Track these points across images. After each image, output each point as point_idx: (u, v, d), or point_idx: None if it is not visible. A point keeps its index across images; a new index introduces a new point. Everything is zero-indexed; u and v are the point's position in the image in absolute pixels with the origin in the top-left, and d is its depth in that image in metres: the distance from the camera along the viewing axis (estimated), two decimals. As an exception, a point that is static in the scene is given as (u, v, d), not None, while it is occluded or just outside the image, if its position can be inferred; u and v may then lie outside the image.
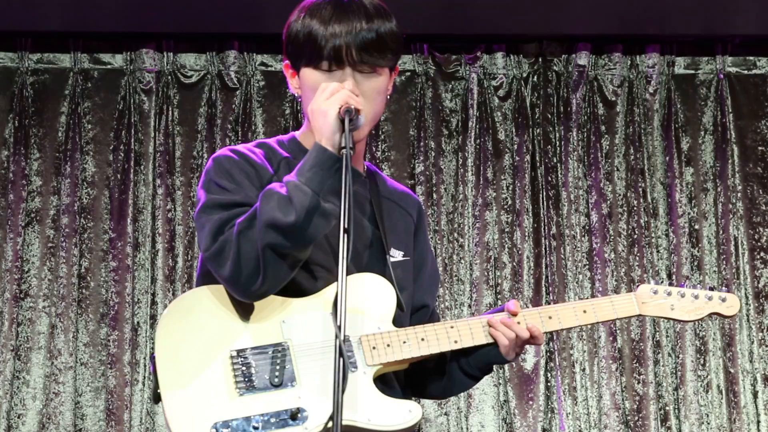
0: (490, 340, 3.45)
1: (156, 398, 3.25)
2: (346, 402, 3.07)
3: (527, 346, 3.60)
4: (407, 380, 3.55)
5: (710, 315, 3.66)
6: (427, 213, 7.20)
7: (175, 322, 3.29)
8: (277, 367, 3.24)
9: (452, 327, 3.43)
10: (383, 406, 3.26)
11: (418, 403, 3.35)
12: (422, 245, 3.69)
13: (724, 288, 3.72)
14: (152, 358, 3.28)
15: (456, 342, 3.42)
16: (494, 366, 3.63)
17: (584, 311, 3.54)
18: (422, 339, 3.38)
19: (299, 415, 3.19)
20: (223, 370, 3.24)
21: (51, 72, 7.35)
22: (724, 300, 3.65)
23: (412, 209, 3.68)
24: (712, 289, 3.66)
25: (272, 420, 3.19)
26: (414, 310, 3.60)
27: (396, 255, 3.53)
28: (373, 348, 3.31)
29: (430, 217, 7.22)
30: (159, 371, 3.24)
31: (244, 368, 3.24)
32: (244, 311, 3.29)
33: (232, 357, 3.24)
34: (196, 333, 3.27)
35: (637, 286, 3.75)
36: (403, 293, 3.47)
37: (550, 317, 3.51)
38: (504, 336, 3.43)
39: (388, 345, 3.33)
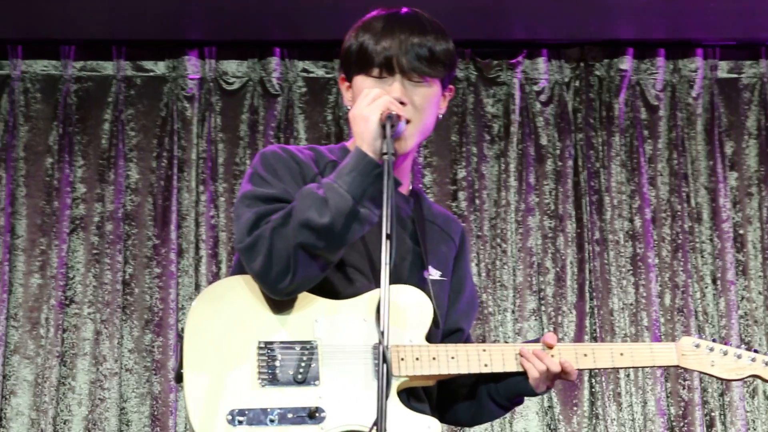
0: (521, 369, 3.42)
1: (178, 378, 3.26)
2: (366, 410, 3.11)
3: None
4: (439, 402, 3.55)
5: (751, 377, 3.59)
6: (469, 219, 7.20)
7: (207, 306, 3.30)
8: (303, 364, 3.24)
9: (484, 350, 3.40)
10: (403, 418, 3.25)
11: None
12: (462, 270, 3.67)
13: None
14: (180, 338, 3.29)
15: (486, 366, 3.39)
16: (525, 398, 3.59)
17: (621, 354, 3.49)
18: (452, 357, 3.36)
19: (317, 415, 3.19)
20: (248, 359, 3.24)
21: (94, 79, 7.40)
22: (767, 364, 3.57)
23: (455, 234, 3.68)
24: (756, 351, 3.58)
25: (289, 415, 3.19)
26: (448, 333, 3.58)
27: (434, 274, 3.52)
28: (402, 359, 3.30)
29: (472, 223, 7.21)
30: (185, 352, 3.25)
31: (269, 360, 3.24)
32: (279, 305, 3.29)
33: (259, 347, 3.25)
34: (227, 319, 3.28)
35: (680, 337, 3.70)
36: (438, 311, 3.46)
37: (585, 355, 3.46)
38: (534, 367, 3.40)
39: (417, 359, 3.32)
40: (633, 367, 3.56)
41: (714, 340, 3.57)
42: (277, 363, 3.24)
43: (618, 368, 3.49)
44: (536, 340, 3.48)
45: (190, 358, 3.24)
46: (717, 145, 7.38)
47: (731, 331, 7.07)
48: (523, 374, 3.43)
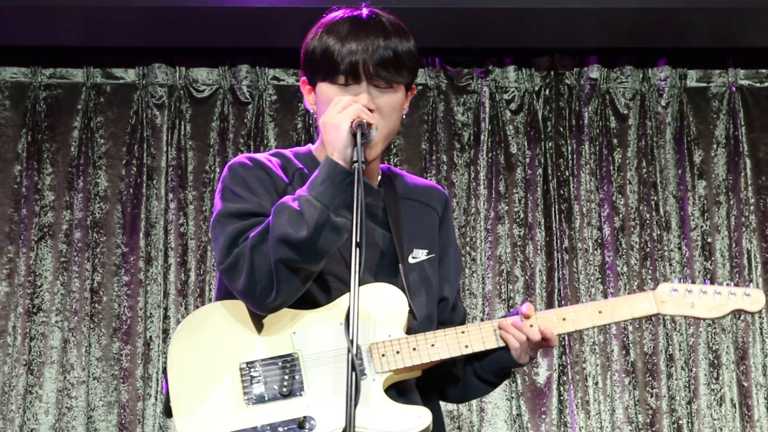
0: (502, 344, 3.43)
1: (168, 412, 3.29)
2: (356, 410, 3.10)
3: (540, 359, 3.56)
4: (431, 383, 3.56)
5: (734, 312, 3.52)
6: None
7: (186, 338, 3.33)
8: (286, 377, 3.27)
9: (463, 332, 3.42)
10: (392, 411, 3.27)
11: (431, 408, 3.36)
12: (445, 238, 3.66)
13: (750, 284, 3.60)
14: (165, 373, 3.32)
15: (467, 347, 3.41)
16: (512, 370, 3.61)
17: (600, 311, 3.47)
18: (432, 345, 3.38)
19: (307, 424, 3.23)
20: (232, 382, 3.28)
21: (64, 87, 7.37)
22: (748, 295, 3.50)
23: (436, 203, 3.67)
24: (736, 285, 3.53)
25: (280, 429, 3.23)
26: (437, 304, 3.60)
27: (419, 255, 3.53)
28: (383, 355, 3.32)
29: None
30: (170, 386, 3.28)
31: (253, 380, 3.27)
32: (255, 324, 3.32)
33: (241, 369, 3.29)
34: (207, 347, 3.31)
35: (657, 284, 3.63)
36: (421, 296, 3.48)
37: (564, 319, 3.46)
38: (514, 338, 3.41)
39: (398, 352, 3.34)
40: (614, 323, 3.51)
41: (693, 282, 3.51)
42: (261, 380, 3.27)
43: (600, 326, 3.43)
44: (515, 313, 3.49)
45: (176, 390, 3.28)
46: (686, 153, 7.41)
47: (699, 339, 7.10)
48: (504, 348, 3.44)
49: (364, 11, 3.44)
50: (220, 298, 3.41)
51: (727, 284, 3.53)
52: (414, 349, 3.35)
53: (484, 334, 3.44)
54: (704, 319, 3.59)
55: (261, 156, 3.47)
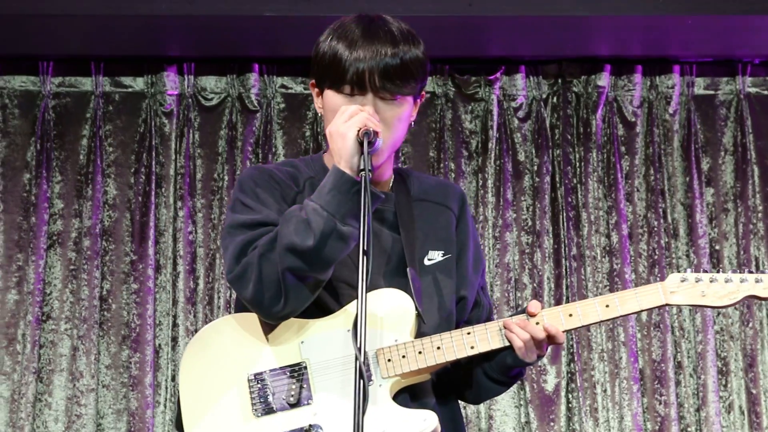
0: (507, 343, 3.41)
1: (178, 425, 3.33)
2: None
3: (549, 366, 3.54)
4: (448, 384, 3.56)
5: (745, 299, 3.43)
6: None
7: (197, 352, 3.36)
8: (294, 387, 3.29)
9: (469, 333, 3.40)
10: (398, 416, 3.28)
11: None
12: (462, 235, 3.63)
13: (766, 269, 3.53)
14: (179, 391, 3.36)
15: (473, 348, 3.39)
16: (523, 369, 3.57)
17: (607, 305, 3.42)
18: (438, 347, 3.37)
19: None
20: (240, 394, 3.30)
21: (72, 95, 7.39)
22: (760, 281, 3.41)
23: (452, 202, 3.64)
24: (751, 272, 3.43)
25: None
26: (456, 304, 3.58)
27: (435, 256, 3.52)
28: (388, 360, 3.33)
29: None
30: (182, 403, 3.32)
31: (261, 390, 3.29)
32: (264, 336, 3.34)
33: (249, 381, 3.30)
34: (217, 361, 3.34)
35: (667, 276, 3.56)
36: (435, 298, 3.47)
37: (570, 315, 3.42)
38: (518, 337, 3.38)
39: (404, 356, 3.34)
40: (622, 317, 3.46)
41: (705, 271, 3.45)
42: (269, 391, 3.29)
43: (609, 320, 3.39)
44: (522, 311, 3.46)
45: (187, 405, 3.32)
46: (693, 161, 7.40)
47: (707, 346, 7.09)
48: (510, 347, 3.42)
49: (375, 17, 3.43)
50: (238, 309, 3.43)
51: (738, 271, 3.45)
52: (420, 352, 3.35)
53: (490, 334, 3.42)
54: (715, 308, 3.53)
55: (271, 166, 3.49)
